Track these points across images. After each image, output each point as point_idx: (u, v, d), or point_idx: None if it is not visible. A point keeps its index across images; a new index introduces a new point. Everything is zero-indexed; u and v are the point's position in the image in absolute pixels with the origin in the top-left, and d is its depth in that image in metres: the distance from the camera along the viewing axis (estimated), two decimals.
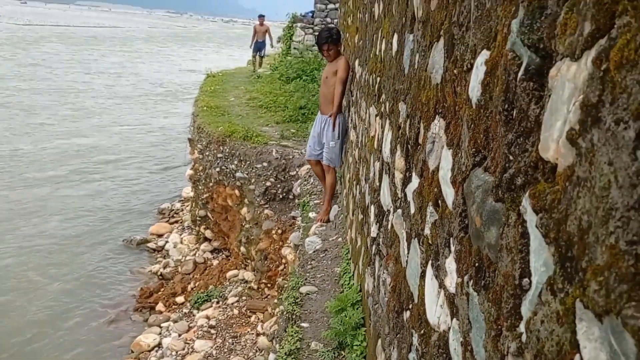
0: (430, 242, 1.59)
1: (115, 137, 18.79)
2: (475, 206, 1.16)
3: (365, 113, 3.96)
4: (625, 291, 0.60)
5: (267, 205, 8.78)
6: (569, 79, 0.79)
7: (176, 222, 12.92)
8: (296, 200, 8.07)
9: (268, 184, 8.77)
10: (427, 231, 1.63)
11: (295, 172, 8.53)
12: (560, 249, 0.77)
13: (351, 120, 5.48)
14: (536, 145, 0.90)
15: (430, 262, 1.57)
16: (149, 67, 38.30)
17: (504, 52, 1.08)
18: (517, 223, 0.93)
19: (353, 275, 4.05)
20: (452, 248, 1.33)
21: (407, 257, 1.91)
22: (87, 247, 11.39)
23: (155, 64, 39.96)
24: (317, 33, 17.78)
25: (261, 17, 18.17)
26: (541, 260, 0.83)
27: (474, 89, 1.25)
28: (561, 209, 0.78)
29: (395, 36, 2.69)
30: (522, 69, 0.97)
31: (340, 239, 5.08)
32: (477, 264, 1.13)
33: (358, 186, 4.24)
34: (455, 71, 1.46)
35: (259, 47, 17.78)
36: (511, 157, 1.00)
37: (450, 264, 1.34)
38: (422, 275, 1.65)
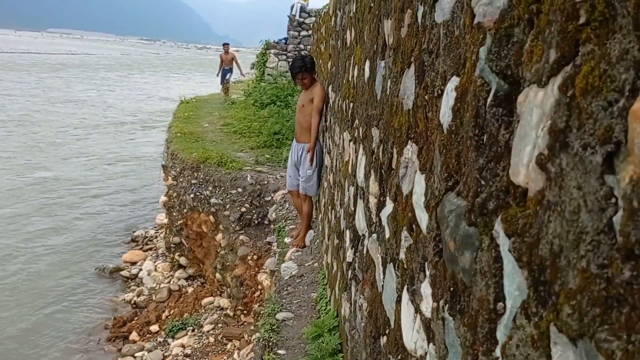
0: (405, 266, 1.59)
1: (80, 168, 18.20)
2: (449, 231, 1.16)
3: (339, 138, 3.98)
4: (598, 315, 0.60)
5: (242, 231, 8.71)
6: (537, 104, 0.80)
7: (150, 249, 12.72)
8: (272, 226, 8.03)
9: (243, 209, 8.72)
10: (402, 256, 1.63)
11: (270, 198, 8.50)
12: (534, 273, 0.77)
13: (326, 145, 5.51)
14: (507, 169, 0.91)
15: (405, 286, 1.56)
16: (119, 94, 37.08)
17: (473, 78, 1.10)
18: (491, 247, 0.94)
19: (330, 300, 4.02)
20: (427, 272, 1.34)
21: (383, 281, 1.91)
22: (57, 278, 11.11)
23: (124, 91, 38.79)
24: (290, 60, 18.00)
25: (226, 45, 18.02)
26: (515, 284, 0.83)
27: (445, 115, 1.26)
28: (533, 233, 0.79)
29: (367, 62, 2.73)
30: (491, 95, 0.99)
31: (316, 264, 5.06)
32: (452, 289, 1.13)
33: (333, 211, 4.24)
34: (426, 97, 1.48)
35: (225, 74, 17.71)
36: (483, 182, 1.01)
37: (425, 288, 1.34)
38: (398, 300, 1.65)
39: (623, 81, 0.61)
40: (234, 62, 17.52)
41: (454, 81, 1.23)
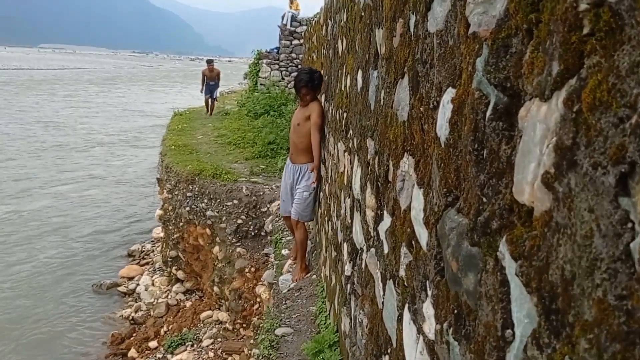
0: (405, 284, 1.54)
1: (72, 186, 17.72)
2: (450, 250, 1.11)
3: (334, 148, 3.94)
4: (619, 351, 0.55)
5: (239, 244, 8.64)
6: (540, 119, 0.76)
7: (147, 263, 12.61)
8: (269, 237, 7.96)
9: (239, 221, 8.65)
10: (402, 273, 1.58)
11: (266, 209, 8.43)
12: (544, 300, 0.72)
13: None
14: (510, 187, 0.86)
15: (407, 305, 1.51)
16: (104, 109, 35.44)
17: (470, 90, 1.05)
18: (496, 270, 0.89)
19: (329, 314, 3.96)
20: (429, 292, 1.28)
21: (383, 298, 1.85)
22: (53, 295, 10.98)
23: (110, 108, 36.97)
24: (283, 69, 17.96)
25: (210, 62, 16.86)
26: (524, 310, 0.78)
27: (442, 128, 1.22)
28: (541, 256, 0.74)
29: (360, 72, 2.69)
30: (490, 108, 0.94)
31: (314, 276, 5.00)
32: (456, 311, 1.08)
33: (330, 222, 4.19)
34: (421, 109, 1.44)
35: (211, 89, 16.43)
36: (484, 199, 0.96)
37: (427, 308, 1.29)
38: (400, 319, 1.60)
39: (635, 96, 0.56)
40: (217, 79, 16.59)
41: (450, 93, 1.19)
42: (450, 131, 1.17)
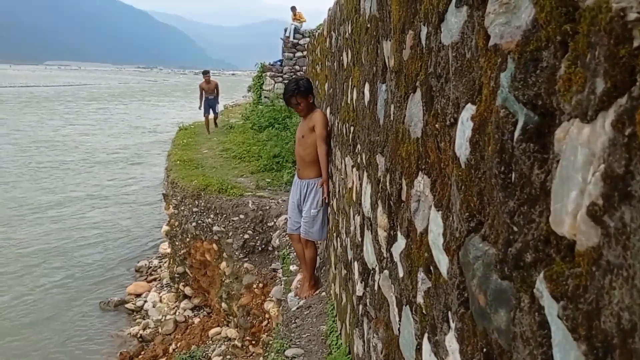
0: (424, 312, 1.44)
1: (79, 203, 17.67)
2: (476, 281, 1.02)
3: (341, 163, 3.85)
4: None
5: (246, 259, 8.56)
6: (582, 143, 0.67)
7: (154, 279, 12.55)
8: (276, 252, 7.87)
9: (246, 236, 8.57)
10: (419, 299, 1.49)
11: (273, 223, 8.35)
12: (596, 351, 0.63)
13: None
14: (545, 216, 0.78)
15: (426, 335, 1.42)
16: (104, 127, 34.70)
17: (493, 107, 0.97)
18: (532, 309, 0.80)
19: (340, 334, 3.85)
20: (452, 324, 1.19)
21: (399, 324, 1.76)
22: (61, 312, 10.94)
23: (111, 125, 36.29)
24: (287, 82, 17.96)
25: (206, 73, 16.05)
26: (570, 358, 0.69)
27: (462, 147, 1.13)
28: (589, 298, 0.65)
29: (367, 85, 2.61)
30: (519, 128, 0.85)
31: (323, 293, 4.90)
32: (485, 350, 0.99)
33: (339, 239, 4.10)
34: (437, 125, 1.35)
35: (210, 104, 15.81)
36: (515, 228, 0.87)
37: (451, 341, 1.20)
38: (419, 349, 1.50)
39: None
40: (216, 91, 15.84)
41: (469, 109, 1.11)
42: (471, 151, 1.08)
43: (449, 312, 1.21)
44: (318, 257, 5.56)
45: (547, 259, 0.77)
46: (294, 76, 17.19)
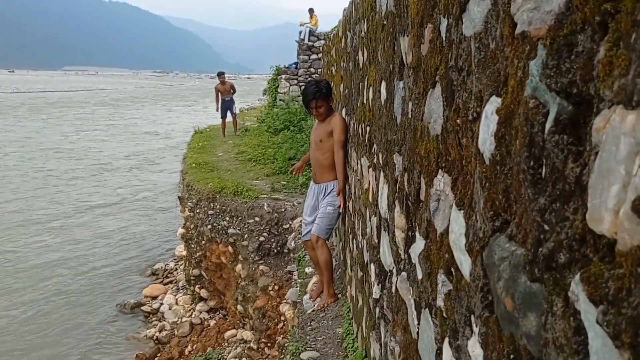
0: (445, 315, 1.38)
1: (93, 206, 17.84)
2: (502, 283, 0.96)
3: (357, 164, 3.79)
4: None
5: (262, 261, 8.53)
6: (626, 131, 0.61)
7: (170, 282, 12.58)
8: (291, 254, 7.83)
9: (261, 239, 8.54)
10: (440, 302, 1.42)
11: (288, 225, 8.32)
12: None
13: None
14: (581, 213, 0.71)
15: (447, 339, 1.36)
16: (116, 132, 34.17)
17: (521, 99, 0.91)
18: (567, 313, 0.73)
19: (356, 337, 3.79)
20: (476, 329, 1.13)
21: (418, 328, 1.70)
22: (78, 314, 11.01)
23: (124, 130, 35.74)
24: (302, 84, 17.94)
25: (221, 74, 15.86)
26: None
27: (486, 142, 1.07)
28: (634, 302, 0.59)
29: (383, 83, 2.55)
30: (551, 119, 0.79)
31: (339, 295, 4.84)
32: (512, 356, 0.93)
33: (355, 240, 4.04)
34: (458, 121, 1.29)
35: (227, 106, 15.53)
36: (546, 227, 0.81)
37: (474, 347, 1.14)
38: (439, 353, 1.44)
39: None
40: (231, 92, 15.63)
41: (494, 102, 1.05)
42: (496, 146, 1.02)
43: (472, 316, 1.15)
44: (333, 260, 5.37)
45: (584, 259, 0.71)
46: (309, 78, 17.14)
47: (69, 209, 17.40)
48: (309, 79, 17.36)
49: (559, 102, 0.77)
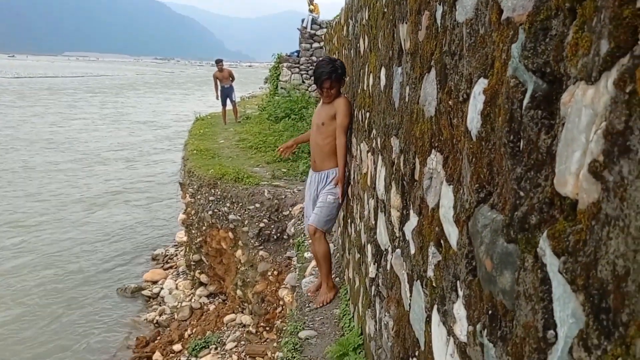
0: (434, 284, 1.48)
1: (96, 191, 17.95)
2: (483, 247, 1.06)
3: (356, 149, 3.88)
4: None
5: (261, 247, 8.63)
6: (586, 104, 0.70)
7: (170, 267, 12.70)
8: (291, 240, 7.94)
9: (262, 225, 8.64)
10: (430, 273, 1.52)
11: (288, 212, 8.41)
12: (592, 299, 0.67)
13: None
14: (550, 179, 0.81)
15: (435, 306, 1.45)
16: (110, 121, 33.20)
17: (504, 79, 1.00)
18: (535, 267, 0.83)
19: (353, 316, 3.90)
20: (460, 292, 1.23)
21: (410, 300, 1.80)
22: (78, 299, 11.12)
23: (117, 118, 34.68)
24: (303, 73, 17.93)
25: (219, 62, 15.90)
26: (568, 310, 0.73)
27: (473, 120, 1.17)
28: (588, 251, 0.68)
29: (383, 70, 2.63)
30: (528, 96, 0.89)
31: (337, 279, 4.94)
32: (490, 312, 1.02)
33: (353, 224, 4.14)
34: (450, 102, 1.38)
35: (227, 93, 15.55)
36: (522, 193, 0.90)
37: (459, 309, 1.24)
38: (428, 321, 1.54)
39: None
40: (230, 79, 15.62)
41: (481, 83, 1.14)
42: (482, 123, 1.11)
43: (458, 282, 1.25)
44: (332, 246, 5.17)
45: (551, 219, 0.81)
46: (311, 67, 17.13)
47: (76, 199, 17.47)
48: (310, 67, 17.38)
49: (535, 80, 0.86)
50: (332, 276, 4.76)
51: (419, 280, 1.67)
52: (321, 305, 4.50)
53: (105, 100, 47.47)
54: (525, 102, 0.89)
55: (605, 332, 0.64)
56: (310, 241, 4.96)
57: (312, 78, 4.58)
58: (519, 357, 0.88)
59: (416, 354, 1.71)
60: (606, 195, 0.65)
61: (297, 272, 5.91)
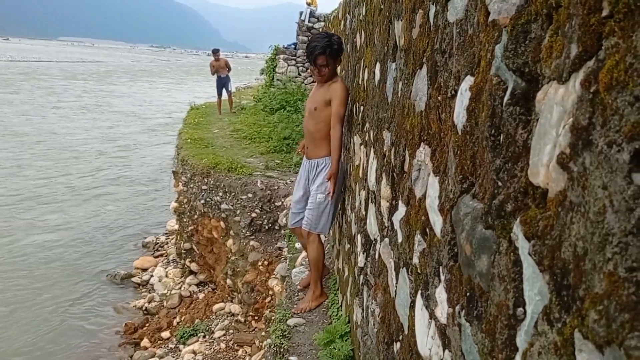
0: (419, 271, 1.56)
1: (88, 177, 18.07)
2: (464, 234, 1.13)
3: (349, 142, 3.95)
4: (627, 321, 0.57)
5: (252, 237, 8.69)
6: (557, 102, 0.77)
7: (161, 255, 12.73)
8: (282, 231, 8.01)
9: (253, 215, 8.70)
10: (415, 260, 1.60)
11: (280, 203, 8.47)
12: (556, 277, 0.74)
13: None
14: (525, 170, 0.88)
15: (419, 291, 1.53)
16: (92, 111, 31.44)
17: (488, 77, 1.07)
18: (509, 250, 0.90)
19: (341, 305, 3.99)
20: (442, 277, 1.30)
21: (396, 287, 1.87)
22: (68, 284, 11.14)
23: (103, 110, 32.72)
24: (300, 65, 17.89)
25: (216, 52, 15.89)
26: (536, 288, 0.80)
27: (459, 115, 1.24)
28: (554, 235, 0.76)
29: (378, 65, 2.70)
30: (508, 93, 0.96)
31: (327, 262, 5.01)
32: (468, 294, 1.10)
33: (344, 215, 4.21)
34: (439, 98, 1.45)
35: (223, 83, 15.58)
36: (500, 183, 0.98)
37: (440, 293, 1.31)
38: (412, 306, 1.62)
39: None
40: (227, 69, 15.66)
41: (468, 81, 1.21)
42: (467, 118, 1.18)
43: (440, 267, 1.33)
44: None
45: (525, 207, 0.88)
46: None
47: (69, 186, 17.42)
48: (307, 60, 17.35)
49: (515, 79, 0.94)
50: (322, 285, 4.42)
51: (405, 268, 1.74)
52: (300, 312, 4.19)
53: (95, 88, 46.24)
54: (505, 99, 0.96)
55: (565, 306, 0.71)
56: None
57: (305, 52, 4.10)
58: (492, 334, 0.96)
59: (400, 338, 1.79)
60: (571, 184, 0.72)
61: (287, 263, 5.98)
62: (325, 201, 4.02)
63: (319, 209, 4.04)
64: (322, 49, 3.79)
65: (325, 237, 4.89)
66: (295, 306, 4.30)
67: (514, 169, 0.93)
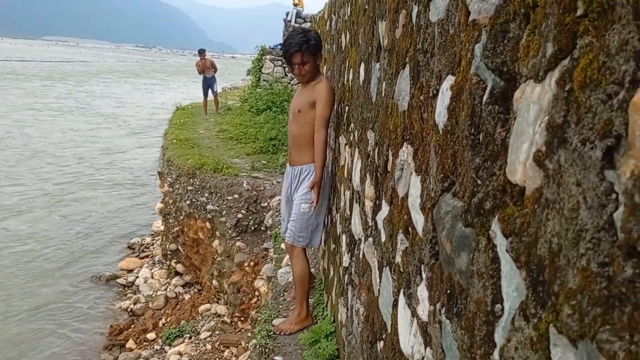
0: (401, 270, 1.56)
1: (72, 179, 17.96)
2: (445, 232, 1.14)
3: (335, 142, 3.95)
4: (599, 314, 0.58)
5: (238, 238, 8.67)
6: (534, 100, 0.78)
7: (146, 256, 12.65)
8: (268, 232, 8.00)
9: (239, 216, 8.68)
10: (398, 259, 1.61)
11: (266, 204, 8.46)
12: (532, 273, 0.75)
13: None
14: (503, 168, 0.89)
15: (402, 290, 1.54)
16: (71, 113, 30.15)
17: (468, 76, 1.08)
18: (488, 248, 0.91)
19: (326, 306, 3.99)
20: (424, 275, 1.31)
21: (379, 286, 1.88)
22: (52, 286, 11.03)
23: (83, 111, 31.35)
24: (286, 66, 17.90)
25: (202, 52, 15.86)
26: (513, 285, 0.81)
27: (441, 115, 1.24)
28: (531, 232, 0.77)
29: (362, 65, 2.71)
30: (487, 92, 0.97)
31: (313, 270, 5.02)
32: (448, 291, 1.11)
33: (329, 215, 4.21)
34: (421, 97, 1.46)
35: (209, 83, 15.52)
36: (479, 182, 0.98)
37: (422, 291, 1.32)
38: (395, 304, 1.62)
39: (623, 73, 0.59)
40: (213, 69, 15.57)
41: (449, 80, 1.22)
42: (448, 117, 1.19)
43: (422, 266, 1.33)
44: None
45: (503, 205, 0.89)
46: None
47: (58, 187, 17.21)
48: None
49: (494, 78, 0.95)
50: (308, 305, 3.96)
51: (388, 267, 1.75)
52: (280, 333, 3.82)
53: (77, 89, 45.26)
54: (485, 98, 0.97)
55: (541, 302, 0.72)
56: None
57: (282, 51, 3.78)
58: (470, 330, 0.97)
59: (383, 336, 1.80)
60: (547, 181, 0.73)
61: (273, 263, 5.97)
62: (309, 212, 3.71)
63: (302, 219, 3.72)
64: (298, 45, 3.49)
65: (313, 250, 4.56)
66: (278, 324, 3.96)
67: (493, 167, 0.94)
